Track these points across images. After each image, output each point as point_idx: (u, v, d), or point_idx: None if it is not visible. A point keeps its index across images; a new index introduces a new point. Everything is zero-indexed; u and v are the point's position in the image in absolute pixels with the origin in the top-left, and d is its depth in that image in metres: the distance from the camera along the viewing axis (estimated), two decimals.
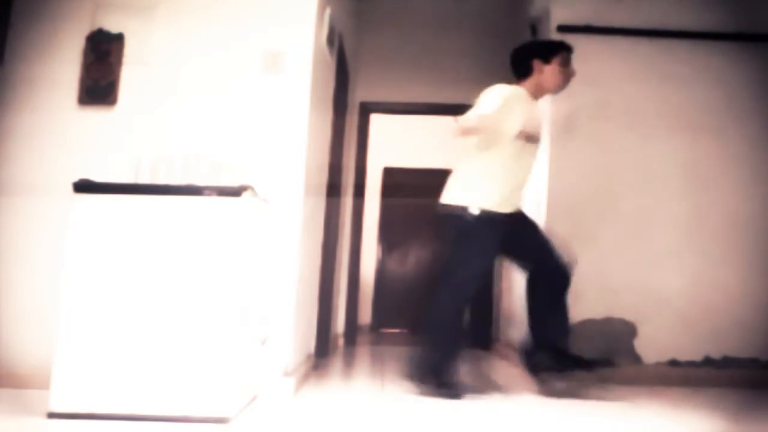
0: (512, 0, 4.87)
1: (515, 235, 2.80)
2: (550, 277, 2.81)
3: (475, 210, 2.69)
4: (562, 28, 3.59)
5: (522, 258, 2.91)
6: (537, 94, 2.85)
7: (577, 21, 3.61)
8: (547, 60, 2.81)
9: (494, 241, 2.74)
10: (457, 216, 2.72)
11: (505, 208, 2.75)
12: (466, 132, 2.63)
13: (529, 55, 2.83)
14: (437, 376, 2.68)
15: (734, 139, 3.56)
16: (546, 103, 3.64)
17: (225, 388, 2.02)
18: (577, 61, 3.60)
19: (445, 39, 5.02)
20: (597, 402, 2.68)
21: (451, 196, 2.79)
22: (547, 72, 2.81)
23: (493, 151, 2.72)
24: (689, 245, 3.49)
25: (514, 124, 2.68)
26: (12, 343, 2.55)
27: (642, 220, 3.50)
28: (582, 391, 2.91)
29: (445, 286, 2.77)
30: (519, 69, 2.86)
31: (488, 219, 2.69)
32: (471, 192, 2.73)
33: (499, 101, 2.62)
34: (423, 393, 2.66)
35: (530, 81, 2.83)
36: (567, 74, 2.85)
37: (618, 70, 3.60)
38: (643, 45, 3.61)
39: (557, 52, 2.83)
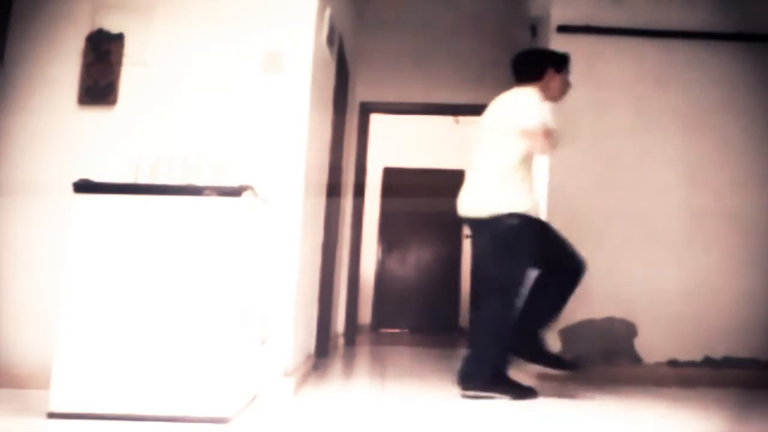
0: (512, 0, 4.87)
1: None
2: (562, 273, 2.81)
3: (517, 216, 2.71)
4: (562, 28, 3.59)
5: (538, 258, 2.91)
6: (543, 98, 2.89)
7: (577, 21, 3.61)
8: (559, 70, 2.91)
9: (536, 243, 2.76)
10: (501, 224, 2.72)
11: (536, 211, 2.80)
12: (554, 146, 2.75)
13: (545, 62, 2.91)
14: (505, 379, 2.72)
15: (734, 139, 3.56)
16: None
17: (225, 388, 2.02)
18: (576, 61, 3.61)
19: (445, 39, 5.02)
20: (597, 402, 2.68)
21: (487, 205, 2.77)
22: (555, 81, 2.89)
23: (515, 155, 2.75)
24: (689, 245, 3.49)
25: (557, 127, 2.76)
26: (12, 343, 2.56)
27: (642, 220, 3.50)
28: (582, 391, 2.91)
29: (500, 294, 2.74)
30: (528, 72, 2.90)
31: (528, 223, 2.73)
32: (510, 199, 2.73)
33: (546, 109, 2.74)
34: (503, 397, 2.67)
35: (537, 85, 2.85)
36: (567, 87, 2.96)
37: (617, 70, 3.60)
38: (643, 45, 3.61)
39: (567, 63, 2.96)
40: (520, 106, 2.74)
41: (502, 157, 2.75)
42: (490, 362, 2.69)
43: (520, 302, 2.74)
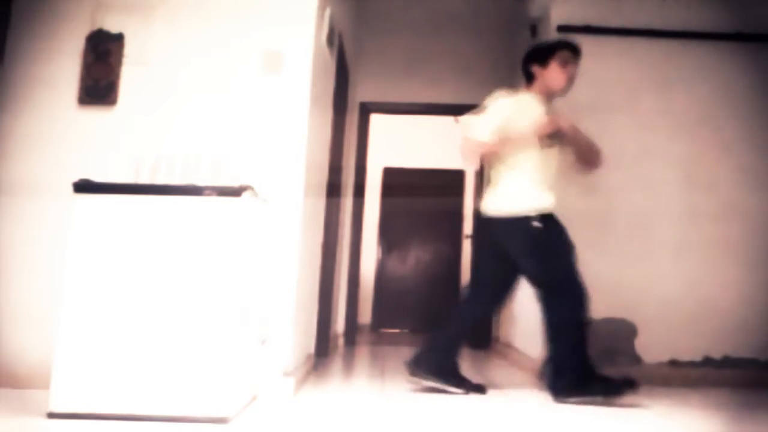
0: (512, 0, 4.87)
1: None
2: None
3: (535, 215, 2.69)
4: (562, 29, 3.59)
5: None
6: (547, 96, 2.87)
7: (577, 21, 3.61)
8: (543, 63, 2.82)
9: (561, 238, 2.74)
10: (522, 225, 2.70)
11: (550, 208, 2.76)
12: (483, 154, 2.74)
13: (528, 61, 2.88)
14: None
15: (734, 139, 3.56)
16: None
17: (225, 388, 2.03)
18: None
19: (445, 39, 5.03)
20: (596, 402, 2.68)
21: (502, 206, 2.76)
22: (546, 75, 2.81)
23: (523, 157, 2.76)
24: (689, 245, 3.49)
25: (527, 129, 2.72)
26: (12, 343, 2.56)
27: (642, 220, 3.50)
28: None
29: (558, 296, 2.68)
30: (525, 75, 2.91)
31: (545, 220, 2.71)
32: (523, 199, 2.73)
33: (497, 117, 2.73)
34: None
35: (536, 86, 2.86)
36: (568, 73, 2.81)
37: (617, 71, 3.60)
38: (643, 45, 3.61)
39: (553, 53, 2.80)
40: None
41: (516, 159, 2.77)
42: (575, 366, 2.61)
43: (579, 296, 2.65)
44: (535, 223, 2.68)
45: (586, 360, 2.64)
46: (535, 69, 2.84)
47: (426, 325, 6.66)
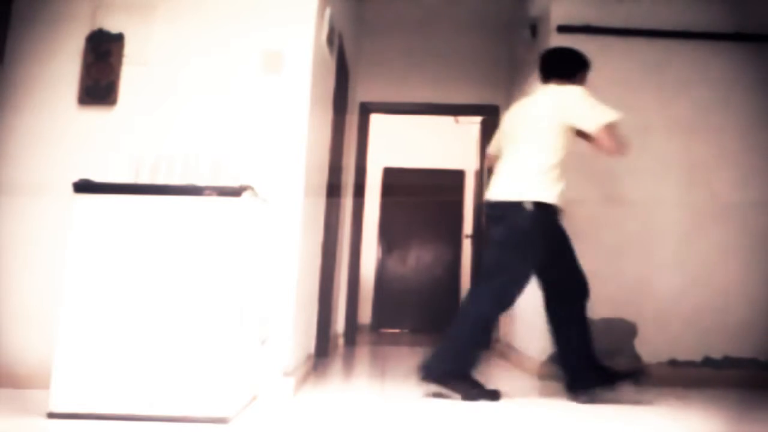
0: (512, 0, 4.87)
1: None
2: (572, 287, 2.81)
3: (541, 206, 2.68)
4: (562, 29, 3.59)
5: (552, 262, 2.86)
6: None
7: (577, 21, 3.61)
8: (586, 73, 2.91)
9: (547, 238, 2.73)
10: (523, 211, 2.66)
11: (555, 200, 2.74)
12: (621, 144, 2.70)
13: (581, 64, 2.88)
14: (467, 377, 2.66)
15: (734, 139, 3.56)
16: None
17: (225, 388, 2.03)
18: None
19: (445, 39, 5.03)
20: (596, 402, 2.68)
21: (516, 191, 2.70)
22: (582, 82, 2.88)
23: (564, 147, 2.76)
24: (689, 245, 3.49)
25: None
26: (12, 343, 2.56)
27: (642, 220, 3.50)
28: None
29: (492, 288, 2.68)
30: (562, 70, 2.85)
31: (548, 217, 2.71)
32: (540, 191, 2.69)
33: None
34: (456, 395, 2.62)
35: (567, 84, 2.83)
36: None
37: (617, 71, 3.60)
38: (643, 45, 3.61)
39: (589, 67, 2.95)
40: (574, 104, 2.69)
41: (542, 152, 2.71)
42: (458, 357, 2.63)
43: (509, 305, 2.66)
44: (532, 209, 2.66)
45: (472, 359, 2.66)
46: (582, 74, 2.88)
47: (426, 326, 6.66)
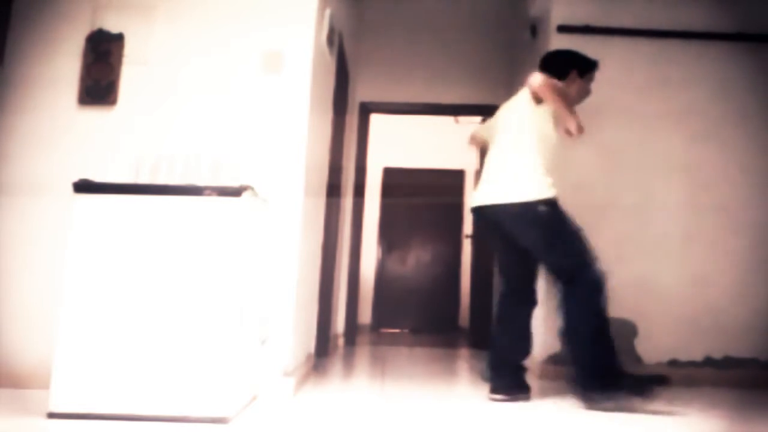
0: (512, 0, 4.87)
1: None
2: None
3: (546, 200, 2.62)
4: (562, 29, 3.59)
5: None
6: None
7: (577, 21, 3.61)
8: (582, 75, 2.87)
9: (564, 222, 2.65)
10: (539, 210, 2.61)
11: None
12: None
13: (569, 63, 2.86)
14: (623, 375, 2.50)
15: (734, 139, 3.56)
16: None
17: (225, 388, 2.02)
18: None
19: (445, 39, 5.03)
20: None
21: (516, 192, 2.65)
22: (576, 84, 2.85)
23: (543, 149, 2.71)
24: (689, 245, 3.49)
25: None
26: (12, 343, 2.56)
27: (642, 220, 3.50)
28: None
29: (583, 274, 2.55)
30: (554, 71, 2.84)
31: (554, 203, 2.65)
32: (534, 183, 2.64)
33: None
34: (622, 401, 2.45)
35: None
36: (588, 92, 2.92)
37: (617, 71, 3.60)
38: (643, 45, 3.61)
39: (592, 70, 2.91)
40: (515, 106, 2.73)
41: (527, 150, 2.68)
42: (600, 365, 2.47)
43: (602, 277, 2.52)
44: (545, 206, 2.61)
45: (613, 356, 2.49)
46: (573, 74, 2.84)
47: (426, 326, 6.66)
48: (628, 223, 3.50)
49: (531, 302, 2.81)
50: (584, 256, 2.58)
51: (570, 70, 2.84)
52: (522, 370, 2.78)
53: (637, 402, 2.44)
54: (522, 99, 2.74)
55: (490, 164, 2.79)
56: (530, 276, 2.81)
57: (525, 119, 2.68)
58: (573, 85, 2.84)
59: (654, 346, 3.40)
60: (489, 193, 2.72)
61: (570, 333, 2.54)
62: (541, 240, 2.64)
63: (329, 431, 2.00)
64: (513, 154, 2.69)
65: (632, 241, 3.49)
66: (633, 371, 2.80)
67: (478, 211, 2.79)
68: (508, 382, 2.70)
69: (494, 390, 2.68)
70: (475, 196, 2.81)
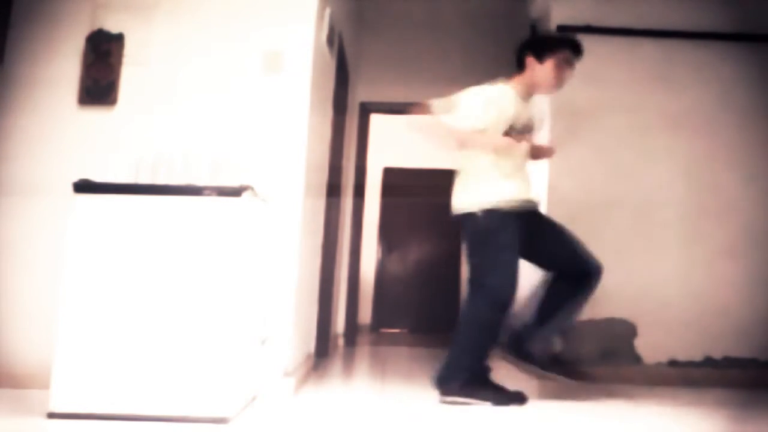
0: (512, 0, 4.87)
1: (533, 234, 2.66)
2: (575, 277, 2.67)
3: (481, 210, 2.58)
4: (562, 29, 3.58)
5: (543, 258, 2.74)
6: (529, 90, 2.70)
7: (577, 21, 3.61)
8: (540, 57, 2.63)
9: (513, 237, 2.59)
10: (469, 219, 2.62)
11: (513, 205, 2.60)
12: (462, 144, 2.63)
13: (524, 50, 2.69)
14: (481, 383, 2.58)
15: (734, 140, 3.56)
16: (545, 102, 3.64)
17: (225, 388, 2.02)
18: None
19: (445, 39, 5.02)
20: (597, 402, 2.68)
21: (458, 200, 2.69)
22: (538, 70, 2.64)
23: (483, 151, 2.64)
24: (689, 245, 3.49)
25: (499, 125, 2.61)
26: (12, 343, 2.55)
27: (642, 220, 3.50)
28: (582, 391, 2.91)
29: (477, 292, 2.61)
30: (517, 63, 2.73)
31: (499, 217, 2.57)
32: (474, 193, 2.64)
33: (480, 109, 2.61)
34: (484, 403, 2.52)
35: (522, 77, 2.69)
36: (562, 75, 2.66)
37: (618, 71, 3.60)
38: (643, 45, 3.61)
39: (553, 50, 2.63)
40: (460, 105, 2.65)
41: (476, 154, 2.65)
42: (466, 365, 2.55)
43: (509, 303, 2.58)
44: (480, 214, 2.58)
45: (482, 364, 2.60)
46: (530, 60, 2.65)
47: (426, 326, 6.66)
48: (628, 222, 3.50)
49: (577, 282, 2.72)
50: (484, 273, 2.60)
51: (525, 58, 2.66)
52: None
53: (487, 406, 2.48)
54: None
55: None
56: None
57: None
58: (536, 72, 2.64)
59: (654, 346, 3.40)
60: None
61: (460, 326, 2.61)
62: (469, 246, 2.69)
63: (329, 431, 2.00)
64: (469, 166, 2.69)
65: (632, 240, 3.48)
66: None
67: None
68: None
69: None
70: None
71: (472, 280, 2.67)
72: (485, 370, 2.62)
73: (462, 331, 2.60)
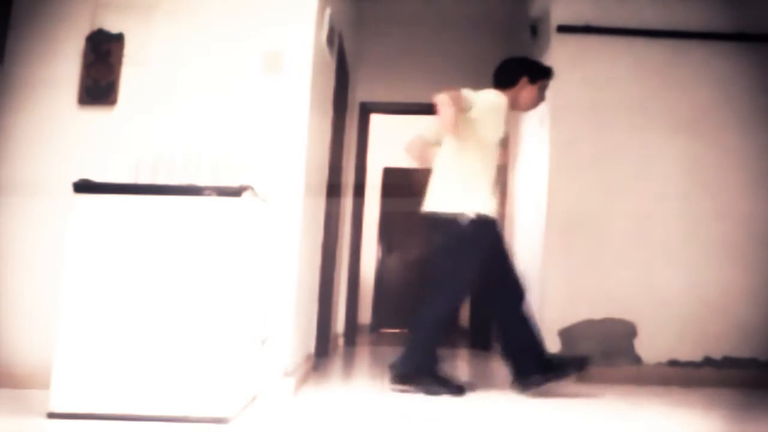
0: (512, 0, 4.87)
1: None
2: (512, 289, 2.87)
3: (470, 215, 2.74)
4: (562, 28, 3.59)
5: (492, 267, 2.87)
6: (512, 105, 2.92)
7: (577, 21, 3.61)
8: (533, 80, 2.92)
9: (487, 244, 2.81)
10: (452, 223, 2.76)
11: (493, 212, 2.81)
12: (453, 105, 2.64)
13: (519, 70, 2.93)
14: (432, 374, 2.77)
15: (734, 140, 3.56)
16: (545, 103, 3.64)
17: (225, 388, 2.02)
18: (577, 61, 3.60)
19: (445, 39, 5.03)
20: (597, 402, 2.68)
21: (442, 202, 2.82)
22: (527, 91, 2.91)
23: (476, 156, 2.80)
24: (689, 245, 3.49)
25: (500, 131, 2.82)
26: (12, 343, 2.56)
27: (641, 220, 3.50)
28: (582, 391, 2.91)
29: (443, 292, 2.82)
30: (503, 78, 2.93)
31: (483, 223, 2.76)
32: (464, 198, 2.76)
33: (497, 107, 2.80)
34: (421, 391, 2.72)
35: (509, 93, 2.90)
36: (540, 100, 2.97)
37: (618, 71, 3.60)
38: (643, 45, 3.61)
39: (544, 77, 2.95)
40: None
41: (464, 158, 2.80)
42: (419, 357, 2.76)
43: (458, 308, 2.84)
44: (467, 219, 2.74)
45: (433, 357, 2.80)
46: (523, 80, 2.91)
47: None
48: (627, 222, 3.50)
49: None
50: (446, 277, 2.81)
51: (520, 77, 2.91)
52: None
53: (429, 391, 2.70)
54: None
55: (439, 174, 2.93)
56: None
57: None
58: (523, 92, 2.91)
59: (654, 346, 3.41)
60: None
61: (416, 323, 2.85)
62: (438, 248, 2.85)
63: (329, 431, 2.00)
64: (444, 166, 2.86)
65: (632, 241, 3.49)
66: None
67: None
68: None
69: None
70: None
71: (441, 282, 2.83)
72: (435, 362, 2.81)
73: (421, 330, 2.82)
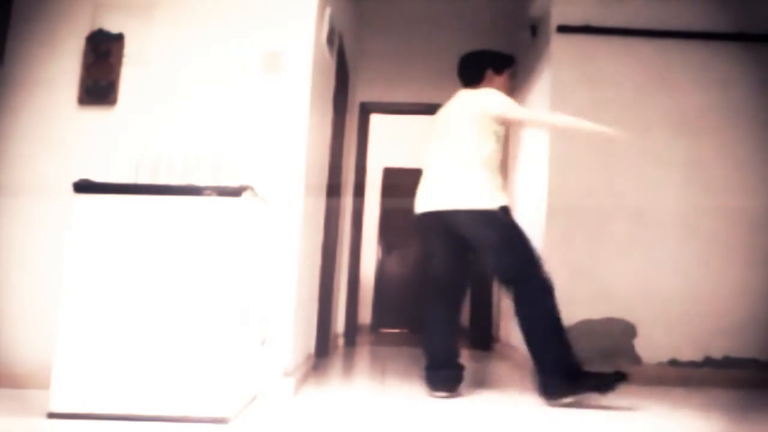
0: (512, 0, 4.87)
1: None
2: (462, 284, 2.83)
3: (499, 207, 2.64)
4: (562, 28, 3.59)
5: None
6: None
7: (577, 21, 3.61)
8: (499, 71, 2.91)
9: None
10: (488, 215, 2.62)
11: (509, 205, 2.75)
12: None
13: (485, 64, 2.91)
14: (582, 372, 2.50)
15: (734, 139, 3.56)
16: (545, 103, 3.64)
17: (225, 388, 2.03)
18: (576, 60, 3.61)
19: (445, 39, 5.03)
20: (596, 402, 2.68)
21: (473, 198, 2.65)
22: (495, 83, 2.89)
23: (497, 150, 2.76)
24: (689, 245, 3.49)
25: (502, 127, 2.81)
26: (12, 343, 2.56)
27: (641, 219, 3.51)
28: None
29: (532, 284, 2.56)
30: (470, 75, 2.92)
31: (509, 213, 2.69)
32: (493, 191, 2.67)
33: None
34: (581, 396, 2.49)
35: (480, 88, 2.88)
36: (512, 87, 2.98)
37: (617, 71, 3.60)
38: (643, 45, 3.61)
39: (509, 65, 2.94)
40: (488, 98, 2.72)
41: (476, 150, 2.69)
42: (558, 362, 2.48)
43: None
44: (501, 209, 2.65)
45: (570, 355, 2.51)
46: (489, 74, 2.90)
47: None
48: (627, 222, 3.50)
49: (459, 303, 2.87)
50: (533, 259, 2.61)
51: (485, 71, 2.90)
52: (460, 367, 2.79)
53: (596, 397, 2.50)
54: (473, 104, 2.73)
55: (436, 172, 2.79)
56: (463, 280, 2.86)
57: (467, 130, 2.72)
58: (492, 84, 2.88)
59: (654, 346, 3.41)
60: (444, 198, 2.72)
61: (528, 333, 2.55)
62: (497, 241, 2.63)
63: (329, 431, 2.00)
64: (461, 162, 2.71)
65: (632, 241, 3.49)
66: (599, 369, 2.86)
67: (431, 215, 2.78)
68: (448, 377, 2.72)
69: (436, 388, 2.71)
70: (429, 200, 2.77)
71: (519, 274, 2.58)
72: (575, 359, 2.51)
73: (532, 329, 2.53)
